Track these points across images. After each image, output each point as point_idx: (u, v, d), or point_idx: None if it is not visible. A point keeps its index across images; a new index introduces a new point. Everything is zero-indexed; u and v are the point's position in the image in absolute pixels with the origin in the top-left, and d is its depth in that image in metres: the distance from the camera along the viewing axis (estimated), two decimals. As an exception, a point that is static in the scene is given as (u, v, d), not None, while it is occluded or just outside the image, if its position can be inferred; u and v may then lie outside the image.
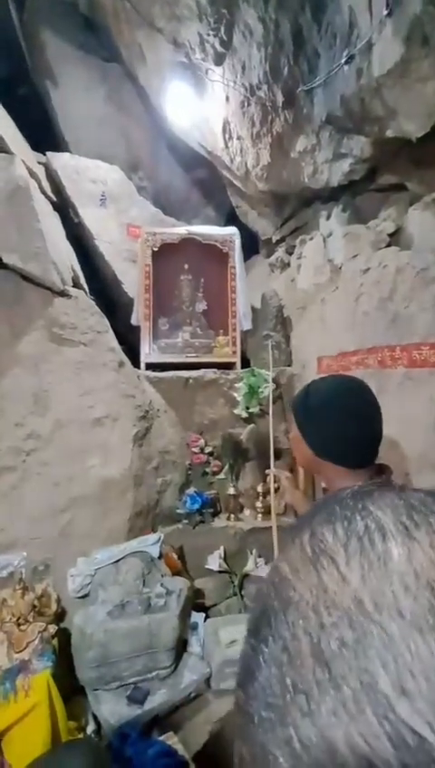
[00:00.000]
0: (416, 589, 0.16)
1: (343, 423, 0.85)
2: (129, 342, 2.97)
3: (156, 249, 2.73)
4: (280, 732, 0.16)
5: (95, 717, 1.33)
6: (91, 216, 3.14)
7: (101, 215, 3.22)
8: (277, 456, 2.41)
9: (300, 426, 0.93)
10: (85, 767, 1.04)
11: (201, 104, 2.76)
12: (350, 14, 1.63)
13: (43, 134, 3.27)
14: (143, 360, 2.66)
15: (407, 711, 0.14)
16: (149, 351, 2.70)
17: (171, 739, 1.24)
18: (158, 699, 1.33)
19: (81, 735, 1.29)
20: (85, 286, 2.71)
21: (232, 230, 2.81)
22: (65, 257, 2.64)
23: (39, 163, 3.07)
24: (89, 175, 3.22)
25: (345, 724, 0.14)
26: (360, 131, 2.07)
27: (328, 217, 2.69)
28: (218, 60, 2.42)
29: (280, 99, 2.25)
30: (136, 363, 2.68)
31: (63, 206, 3.21)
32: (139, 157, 3.77)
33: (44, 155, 3.14)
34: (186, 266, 2.91)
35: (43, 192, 2.88)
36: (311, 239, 2.81)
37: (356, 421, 0.85)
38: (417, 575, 0.16)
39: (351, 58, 1.68)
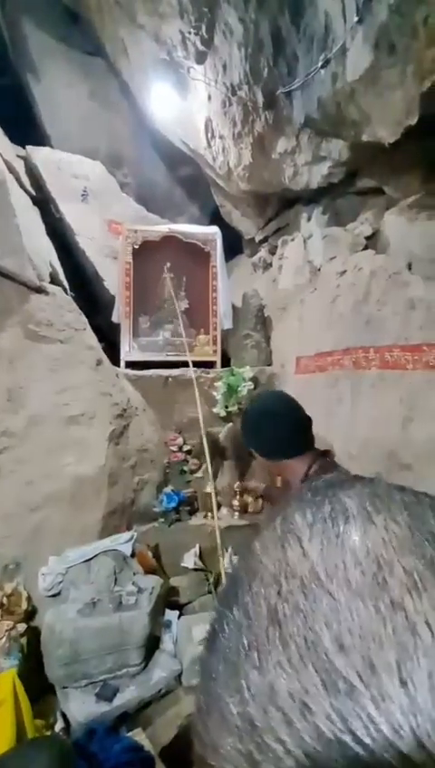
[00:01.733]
0: (365, 563, 0.18)
1: (271, 425, 1.01)
2: (110, 339, 2.96)
3: (137, 246, 2.72)
4: (233, 683, 0.18)
5: (64, 715, 1.33)
6: (72, 212, 3.11)
7: (82, 210, 3.19)
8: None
9: (248, 446, 1.07)
10: (49, 763, 1.05)
11: (184, 102, 2.75)
12: (326, 18, 1.65)
13: (24, 127, 3.22)
14: (123, 357, 2.65)
15: (342, 663, 0.16)
16: (129, 349, 2.70)
17: (139, 735, 1.25)
18: (127, 696, 1.34)
19: (48, 733, 1.29)
20: (65, 283, 2.68)
21: (213, 229, 2.82)
22: (44, 253, 2.61)
23: (18, 156, 3.03)
24: (71, 170, 3.19)
25: (289, 675, 0.16)
26: (337, 135, 2.10)
27: (309, 219, 2.72)
28: (200, 58, 2.42)
29: (260, 99, 2.26)
30: (117, 361, 2.67)
31: (44, 201, 3.17)
32: (122, 153, 3.74)
33: (24, 148, 3.10)
34: (167, 265, 2.91)
35: (22, 186, 2.84)
36: (292, 240, 2.84)
37: (281, 418, 1.00)
38: (368, 552, 0.18)
39: (327, 62, 1.70)
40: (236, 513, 2.24)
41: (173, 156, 3.67)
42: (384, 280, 1.87)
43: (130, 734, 1.25)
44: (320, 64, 1.74)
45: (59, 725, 1.33)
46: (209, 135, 2.86)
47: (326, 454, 1.05)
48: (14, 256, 1.98)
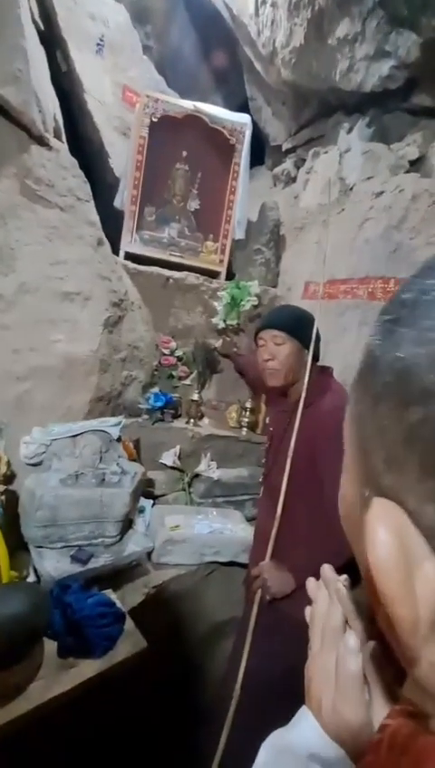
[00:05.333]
0: None
1: (312, 325, 1.24)
2: (106, 232, 2.69)
3: (155, 120, 2.37)
4: None
5: (36, 571, 1.37)
6: (83, 64, 2.64)
7: (95, 65, 2.72)
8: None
9: (304, 340, 1.25)
10: (25, 605, 1.07)
11: None
12: None
13: None
14: (123, 247, 2.43)
15: None
16: (131, 240, 2.47)
17: (111, 595, 1.31)
18: (101, 561, 1.38)
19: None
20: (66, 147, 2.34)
21: (245, 118, 2.49)
22: (49, 102, 2.23)
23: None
24: (88, 7, 2.65)
25: None
26: (414, 24, 1.82)
27: (349, 131, 2.46)
28: None
29: (336, -43, 1.90)
30: (115, 252, 2.44)
31: (51, 45, 2.65)
32: (149, 6, 3.14)
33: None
34: (184, 154, 2.59)
35: (30, 14, 2.34)
36: (325, 153, 2.59)
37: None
38: None
39: None
40: (245, 429, 2.24)
41: (208, 25, 3.13)
42: (426, 206, 1.74)
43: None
44: None
45: (31, 579, 1.36)
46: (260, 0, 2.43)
47: (327, 369, 1.33)
48: (18, 87, 1.66)
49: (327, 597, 0.48)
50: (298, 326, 1.27)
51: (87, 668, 1.07)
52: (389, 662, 0.41)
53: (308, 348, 1.21)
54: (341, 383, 1.29)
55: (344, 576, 0.48)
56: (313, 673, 0.46)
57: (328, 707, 0.43)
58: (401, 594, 0.19)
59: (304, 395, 1.15)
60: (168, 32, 3.23)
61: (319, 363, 1.32)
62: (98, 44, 2.72)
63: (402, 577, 0.19)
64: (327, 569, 0.51)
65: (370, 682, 0.42)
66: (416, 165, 2.12)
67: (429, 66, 2.01)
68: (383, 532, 0.20)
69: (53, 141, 1.93)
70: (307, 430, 1.12)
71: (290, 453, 1.09)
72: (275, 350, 1.26)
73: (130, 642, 1.17)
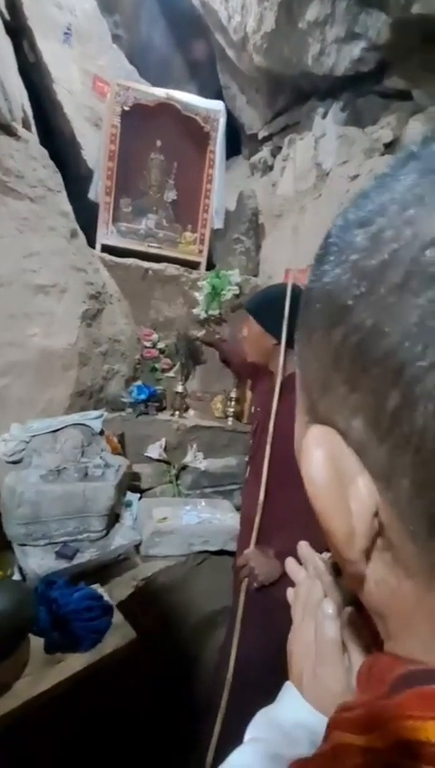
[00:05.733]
0: None
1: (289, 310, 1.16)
2: (81, 225, 2.63)
3: (127, 108, 2.33)
4: None
5: (20, 569, 1.34)
6: (51, 54, 2.58)
7: (63, 55, 2.66)
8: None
9: (264, 322, 1.24)
10: (9, 602, 1.05)
11: None
12: None
13: None
14: (99, 240, 2.38)
15: None
16: (107, 232, 2.42)
17: (98, 589, 1.29)
18: (87, 556, 1.36)
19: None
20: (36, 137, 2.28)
21: (218, 105, 2.46)
22: (16, 92, 2.17)
23: None
24: (53, -5, 2.58)
25: None
26: (383, 3, 1.81)
27: (324, 116, 2.45)
28: None
29: None
30: (91, 245, 2.39)
31: (18, 35, 2.58)
32: (117, -7, 3.07)
33: None
34: (158, 143, 2.55)
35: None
36: (301, 139, 2.58)
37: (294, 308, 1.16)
38: None
39: None
40: (231, 420, 2.22)
41: (178, 13, 3.09)
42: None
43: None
44: None
45: (16, 578, 1.33)
46: (229, -16, 2.40)
47: None
48: (-19, 74, 1.61)
49: (307, 574, 0.49)
50: (260, 308, 1.27)
51: (75, 662, 1.05)
52: (367, 627, 0.41)
53: (270, 332, 1.21)
54: None
55: (326, 553, 0.48)
56: (294, 646, 0.46)
57: (309, 677, 0.43)
58: (335, 509, 0.20)
59: (279, 378, 1.15)
60: (137, 20, 3.17)
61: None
62: (65, 33, 2.66)
63: (335, 493, 0.20)
64: (304, 546, 0.51)
65: (349, 648, 0.42)
66: (390, 147, 2.12)
67: (399, 48, 2.01)
68: (317, 452, 0.21)
69: (22, 131, 1.88)
70: (289, 411, 1.11)
71: (270, 433, 1.09)
72: (244, 327, 1.33)
73: (118, 634, 1.15)
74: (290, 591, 0.50)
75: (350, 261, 0.19)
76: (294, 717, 0.41)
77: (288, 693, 0.44)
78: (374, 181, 0.20)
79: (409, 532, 0.18)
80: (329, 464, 0.20)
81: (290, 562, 0.51)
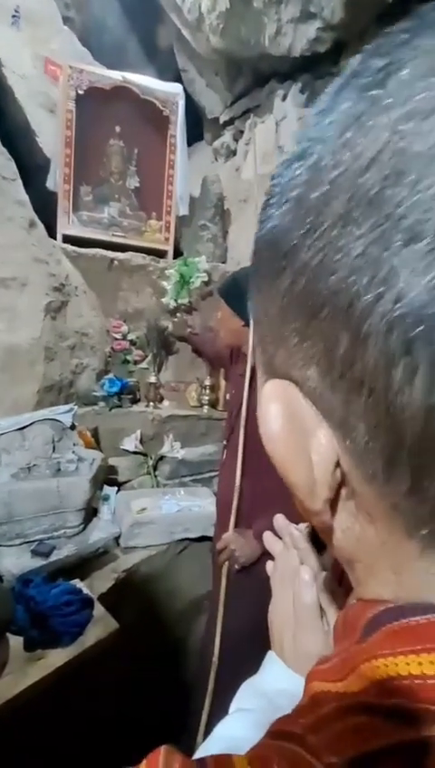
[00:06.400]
0: None
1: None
2: (41, 217, 2.53)
3: (81, 92, 2.25)
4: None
5: (-4, 571, 1.30)
6: (-3, 36, 2.44)
7: (12, 38, 2.53)
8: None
9: (233, 304, 1.25)
10: (-16, 604, 1.02)
11: None
12: None
13: None
14: (60, 230, 2.30)
15: None
16: (68, 222, 2.35)
17: (78, 584, 1.27)
18: (64, 552, 1.33)
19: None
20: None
21: (177, 88, 2.41)
22: (-41, 76, 2.05)
23: None
24: (-5, -27, 2.44)
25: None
26: (335, -19, 1.81)
27: (284, 98, 2.44)
28: None
29: None
30: (51, 236, 2.30)
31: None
32: (65, -28, 2.94)
33: None
34: (117, 129, 2.48)
35: None
36: (262, 122, 2.56)
37: None
38: None
39: None
40: (205, 408, 2.21)
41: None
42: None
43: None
44: None
45: (-9, 580, 1.30)
46: (180, -39, 2.33)
47: None
48: None
49: (284, 545, 0.50)
50: (228, 291, 1.29)
51: (56, 658, 1.03)
52: (343, 591, 0.42)
53: (239, 314, 1.22)
54: None
55: (302, 524, 0.49)
56: (274, 616, 0.47)
57: (290, 643, 0.44)
58: (295, 462, 0.20)
59: (249, 360, 1.15)
60: (89, 1, 3.05)
61: None
62: (13, 16, 2.53)
63: (295, 446, 0.20)
64: (280, 518, 0.52)
65: (326, 612, 0.43)
66: (349, 129, 2.13)
67: (354, 27, 2.02)
68: (273, 406, 0.20)
69: (-31, 117, 1.79)
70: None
71: (243, 414, 1.09)
72: (218, 311, 1.35)
73: (100, 626, 1.14)
74: (269, 564, 0.51)
75: (292, 198, 0.18)
76: (277, 685, 0.42)
77: (270, 662, 0.45)
78: (314, 108, 0.19)
79: (368, 476, 0.18)
80: (286, 417, 0.20)
81: (267, 536, 0.53)
